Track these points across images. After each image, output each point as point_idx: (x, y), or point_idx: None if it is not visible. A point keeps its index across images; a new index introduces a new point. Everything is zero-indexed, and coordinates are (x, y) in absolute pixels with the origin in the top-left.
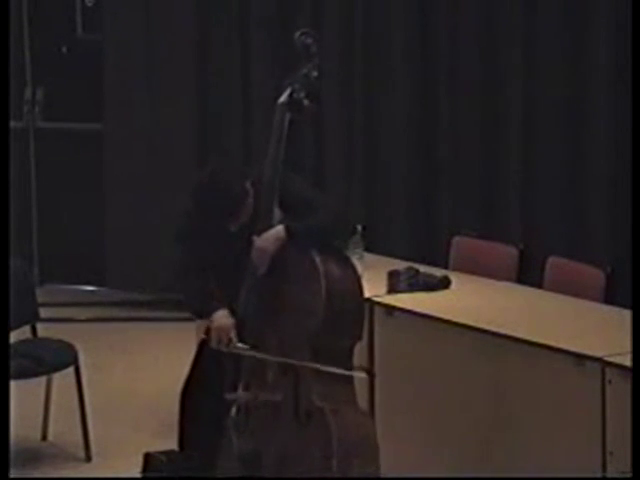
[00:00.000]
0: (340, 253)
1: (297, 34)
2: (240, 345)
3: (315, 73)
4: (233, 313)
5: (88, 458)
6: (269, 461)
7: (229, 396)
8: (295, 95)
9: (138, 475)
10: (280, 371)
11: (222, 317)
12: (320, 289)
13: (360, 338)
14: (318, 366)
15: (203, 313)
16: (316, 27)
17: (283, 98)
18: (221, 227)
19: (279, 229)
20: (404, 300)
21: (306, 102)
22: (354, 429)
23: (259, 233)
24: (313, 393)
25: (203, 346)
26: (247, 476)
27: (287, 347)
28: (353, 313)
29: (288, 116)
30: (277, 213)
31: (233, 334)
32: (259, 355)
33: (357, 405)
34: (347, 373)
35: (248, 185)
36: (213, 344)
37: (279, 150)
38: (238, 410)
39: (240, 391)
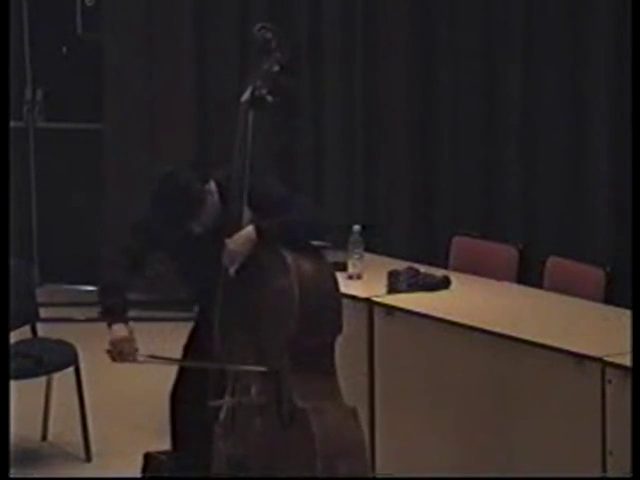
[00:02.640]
0: (312, 249)
1: (256, 28)
2: (142, 358)
3: (276, 68)
4: (207, 315)
5: (88, 458)
6: (256, 465)
7: (213, 403)
8: (257, 92)
9: (138, 475)
10: (261, 374)
11: (117, 331)
12: (293, 287)
13: (340, 331)
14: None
15: (107, 317)
16: (316, 27)
17: (245, 96)
18: (183, 228)
19: (249, 229)
20: (404, 300)
21: (269, 98)
22: (338, 428)
23: (229, 233)
24: (294, 394)
25: (188, 350)
26: (244, 476)
27: (265, 348)
28: (329, 309)
29: (251, 114)
30: (247, 213)
31: (131, 347)
32: (162, 362)
33: (342, 403)
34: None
35: (211, 186)
36: (112, 358)
37: (245, 149)
38: (225, 415)
39: (226, 396)
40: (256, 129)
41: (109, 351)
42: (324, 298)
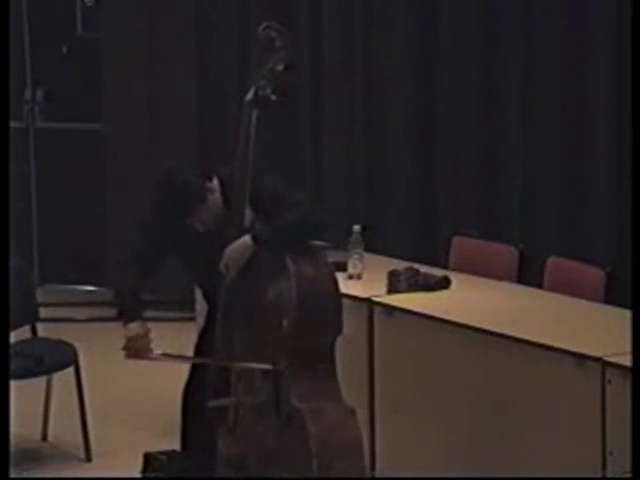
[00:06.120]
0: (311, 250)
1: (261, 28)
2: (157, 354)
3: (281, 67)
4: (215, 315)
5: (88, 458)
6: (255, 466)
7: (212, 403)
8: (261, 92)
9: (138, 475)
10: (262, 374)
11: (134, 328)
12: (291, 289)
13: (340, 332)
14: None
15: (123, 317)
16: (316, 25)
17: (249, 95)
18: (184, 225)
19: (246, 239)
20: (404, 300)
21: (273, 97)
22: (334, 430)
23: (232, 234)
24: (292, 395)
25: (198, 349)
26: (244, 477)
27: (265, 349)
28: (328, 310)
29: (255, 113)
30: (249, 213)
31: (145, 343)
32: (174, 360)
33: (340, 403)
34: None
35: (214, 183)
36: (126, 355)
37: (248, 149)
38: (228, 416)
39: (230, 397)
40: (257, 129)
41: (124, 348)
42: (323, 299)
